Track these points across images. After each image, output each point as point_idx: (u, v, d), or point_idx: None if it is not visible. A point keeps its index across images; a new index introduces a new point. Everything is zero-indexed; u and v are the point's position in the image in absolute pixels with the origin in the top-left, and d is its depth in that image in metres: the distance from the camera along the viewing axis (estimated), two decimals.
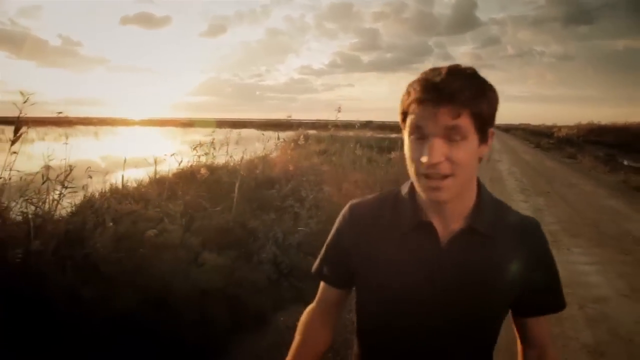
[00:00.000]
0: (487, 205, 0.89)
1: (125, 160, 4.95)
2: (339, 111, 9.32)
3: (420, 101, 0.79)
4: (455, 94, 0.77)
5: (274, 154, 8.75)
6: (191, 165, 6.17)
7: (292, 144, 9.26)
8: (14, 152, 3.16)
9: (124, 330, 2.62)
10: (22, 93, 3.03)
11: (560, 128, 43.97)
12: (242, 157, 6.21)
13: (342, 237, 0.97)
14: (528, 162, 16.31)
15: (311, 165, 7.42)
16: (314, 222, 4.35)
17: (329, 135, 10.80)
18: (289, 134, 11.38)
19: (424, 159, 0.78)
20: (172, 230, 3.36)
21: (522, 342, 0.99)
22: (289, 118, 9.60)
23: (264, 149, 8.75)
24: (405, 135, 0.84)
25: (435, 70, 0.81)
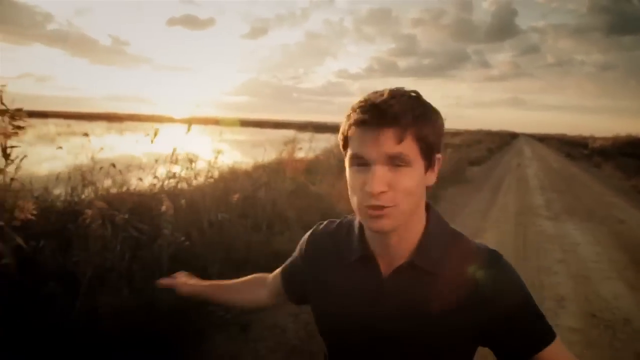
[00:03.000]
0: (435, 239, 0.84)
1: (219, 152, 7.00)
2: None
3: (360, 123, 0.75)
4: (398, 115, 0.73)
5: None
6: (289, 156, 8.65)
7: None
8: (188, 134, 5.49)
9: None
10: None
11: (595, 139, 44.75)
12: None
13: (300, 261, 0.99)
14: (554, 168, 18.32)
15: None
16: None
17: None
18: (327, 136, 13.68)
19: (368, 188, 0.74)
20: (320, 187, 5.83)
21: None
22: None
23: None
24: (347, 162, 0.80)
25: (377, 93, 0.77)
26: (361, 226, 0.88)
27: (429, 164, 0.79)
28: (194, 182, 5.51)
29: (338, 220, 0.97)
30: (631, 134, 38.90)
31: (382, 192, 0.74)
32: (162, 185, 4.98)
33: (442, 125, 0.80)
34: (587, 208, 8.72)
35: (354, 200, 0.79)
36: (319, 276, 0.93)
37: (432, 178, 0.81)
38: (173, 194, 5.16)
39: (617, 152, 30.50)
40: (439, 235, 0.85)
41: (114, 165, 4.71)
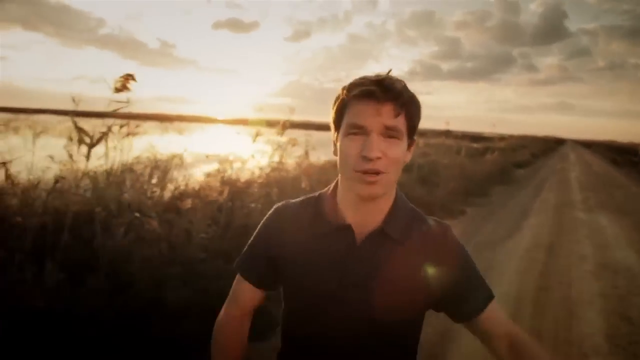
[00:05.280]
0: (400, 211, 0.94)
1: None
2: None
3: (366, 94, 0.84)
4: (399, 93, 0.85)
5: None
6: None
7: None
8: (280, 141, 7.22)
9: None
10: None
11: None
12: None
13: (266, 238, 1.01)
14: (595, 173, 19.44)
15: (432, 160, 11.53)
16: (455, 182, 8.51)
17: (424, 143, 14.94)
18: None
19: (366, 153, 0.83)
20: None
21: (485, 343, 0.98)
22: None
23: None
24: (339, 134, 0.90)
25: (372, 75, 0.88)
26: (334, 198, 0.96)
27: (410, 143, 0.92)
28: (293, 172, 7.25)
29: (298, 199, 1.02)
30: None
31: (378, 158, 0.84)
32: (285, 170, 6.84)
33: (420, 112, 0.92)
34: (618, 204, 10.14)
35: (346, 168, 0.87)
36: (290, 251, 0.96)
37: (409, 156, 0.93)
38: (284, 178, 7.00)
39: None
40: (404, 208, 0.96)
41: (254, 157, 6.55)
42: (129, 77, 2.64)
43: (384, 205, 0.93)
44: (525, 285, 4.45)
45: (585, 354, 3.12)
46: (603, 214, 8.68)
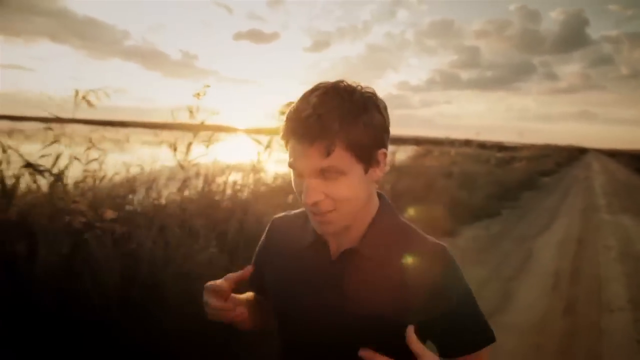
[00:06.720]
0: (381, 229, 0.86)
1: None
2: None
3: (290, 134, 0.76)
4: (323, 128, 0.72)
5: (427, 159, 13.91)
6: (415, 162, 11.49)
7: (438, 154, 14.49)
8: None
9: None
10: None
11: None
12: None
13: (261, 249, 1.02)
14: (618, 180, 20.20)
15: (465, 168, 12.50)
16: (489, 187, 9.51)
17: (455, 152, 15.95)
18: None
19: (303, 198, 0.77)
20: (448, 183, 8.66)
21: None
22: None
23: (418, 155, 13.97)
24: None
25: (307, 99, 0.76)
26: None
27: (368, 165, 0.79)
28: None
29: (295, 211, 0.99)
30: None
31: (318, 201, 0.76)
32: None
33: (381, 121, 0.79)
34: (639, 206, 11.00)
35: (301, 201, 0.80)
36: (275, 261, 0.96)
37: (377, 174, 0.81)
38: None
39: None
40: (386, 225, 0.87)
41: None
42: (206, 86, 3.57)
43: (362, 223, 0.86)
44: (561, 267, 5.45)
45: (612, 310, 4.13)
46: (627, 216, 9.56)
